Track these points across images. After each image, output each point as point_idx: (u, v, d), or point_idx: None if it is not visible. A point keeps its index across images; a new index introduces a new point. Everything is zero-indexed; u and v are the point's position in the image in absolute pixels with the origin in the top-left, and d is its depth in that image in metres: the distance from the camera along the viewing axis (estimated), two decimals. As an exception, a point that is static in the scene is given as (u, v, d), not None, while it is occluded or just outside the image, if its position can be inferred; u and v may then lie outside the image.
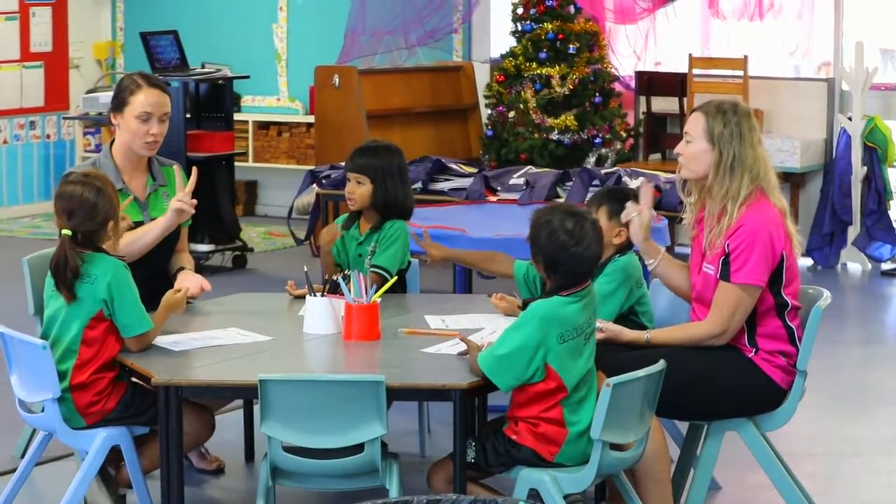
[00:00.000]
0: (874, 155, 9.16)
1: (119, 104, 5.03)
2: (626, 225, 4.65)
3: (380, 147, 5.23)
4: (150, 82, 5.06)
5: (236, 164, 9.54)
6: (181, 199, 4.89)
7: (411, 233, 5.21)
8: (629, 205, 4.61)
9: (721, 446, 4.56)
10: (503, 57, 9.98)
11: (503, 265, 4.95)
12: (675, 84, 9.83)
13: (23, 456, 4.87)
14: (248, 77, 9.91)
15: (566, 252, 4.11)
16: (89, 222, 4.36)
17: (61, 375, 4.37)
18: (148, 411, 4.41)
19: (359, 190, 5.14)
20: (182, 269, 5.07)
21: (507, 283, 4.99)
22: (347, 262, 5.15)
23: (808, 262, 9.23)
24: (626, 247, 4.74)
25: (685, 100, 9.70)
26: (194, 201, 4.92)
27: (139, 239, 4.86)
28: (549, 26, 9.72)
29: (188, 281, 4.95)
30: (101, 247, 4.41)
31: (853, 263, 9.30)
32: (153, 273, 4.95)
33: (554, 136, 9.61)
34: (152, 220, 5.01)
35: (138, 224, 4.94)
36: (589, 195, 7.19)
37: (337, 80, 9.79)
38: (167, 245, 5.04)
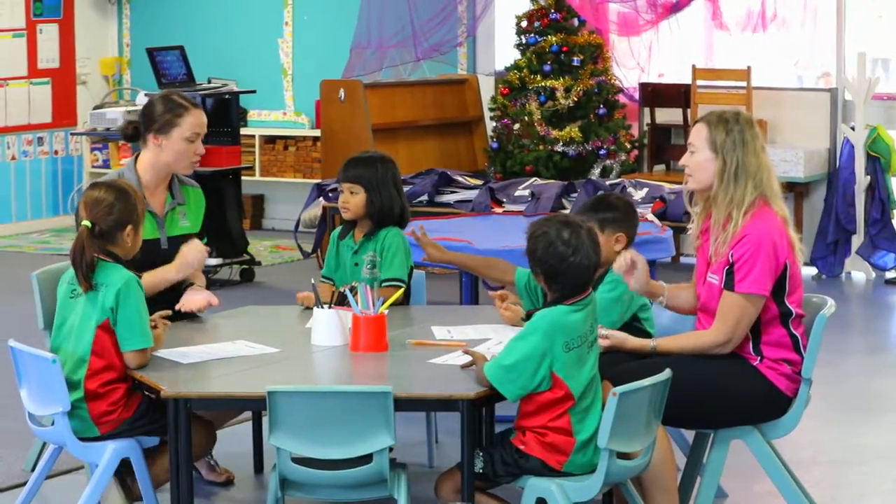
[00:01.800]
0: (877, 164, 9.17)
1: (164, 125, 5.05)
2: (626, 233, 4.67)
3: (372, 157, 5.25)
4: (192, 103, 5.14)
5: (243, 178, 9.57)
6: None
7: (410, 231, 5.23)
8: (618, 258, 4.56)
9: (727, 454, 4.58)
10: (508, 70, 10.00)
11: (504, 272, 4.97)
12: (678, 95, 9.84)
13: (33, 469, 4.89)
14: (254, 92, 9.96)
15: (564, 262, 4.13)
16: (106, 218, 4.43)
17: (74, 385, 4.40)
18: (158, 422, 4.43)
19: (353, 200, 5.18)
20: (191, 284, 5.10)
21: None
22: (344, 273, 5.17)
23: (813, 271, 9.24)
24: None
25: (689, 111, 9.71)
26: (205, 249, 4.97)
27: (157, 286, 4.90)
28: (554, 39, 9.75)
29: (195, 297, 4.99)
30: (118, 256, 4.47)
31: (857, 272, 9.31)
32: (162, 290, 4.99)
33: (559, 147, 9.63)
34: (168, 237, 5.06)
35: (154, 241, 4.98)
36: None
37: (342, 93, 9.82)
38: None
